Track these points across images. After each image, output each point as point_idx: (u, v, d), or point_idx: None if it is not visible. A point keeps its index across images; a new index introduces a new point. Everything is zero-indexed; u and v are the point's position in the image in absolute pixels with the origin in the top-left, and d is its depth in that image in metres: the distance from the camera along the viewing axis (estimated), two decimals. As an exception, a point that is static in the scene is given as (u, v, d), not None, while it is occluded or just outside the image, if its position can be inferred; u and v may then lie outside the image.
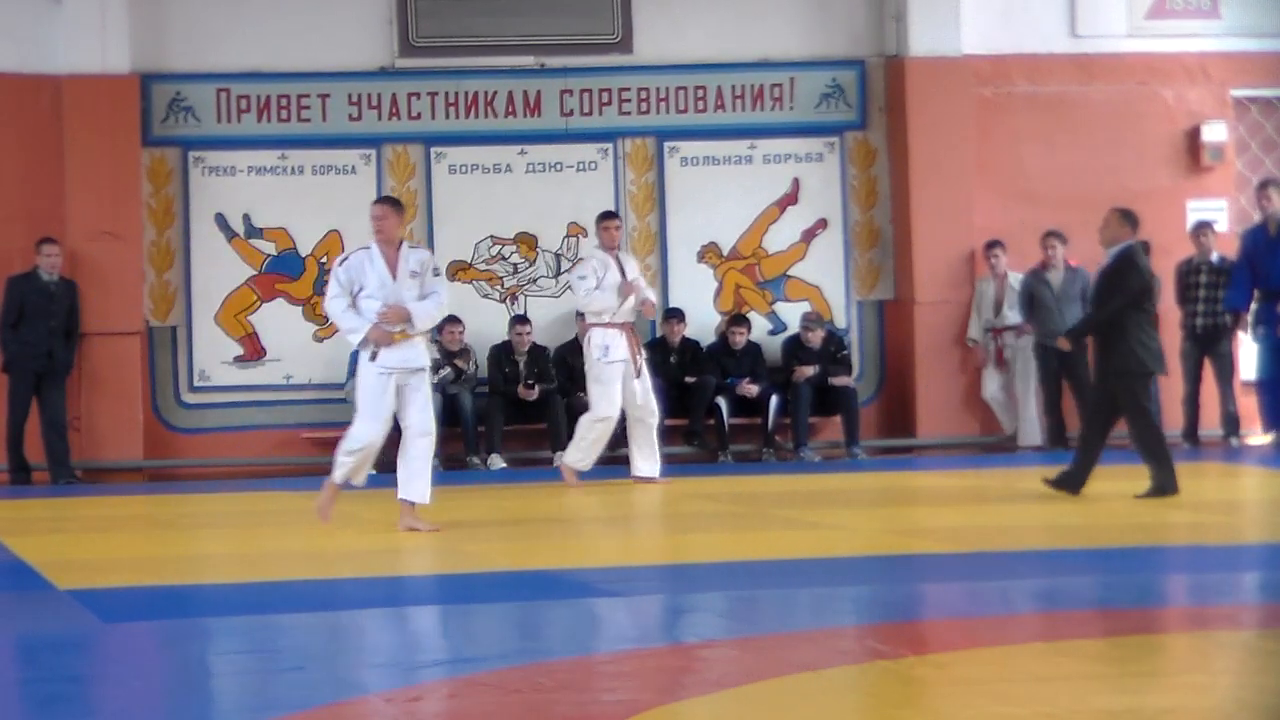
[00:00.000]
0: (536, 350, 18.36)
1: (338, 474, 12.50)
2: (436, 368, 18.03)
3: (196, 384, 18.38)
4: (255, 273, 18.54)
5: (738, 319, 18.64)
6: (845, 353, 18.64)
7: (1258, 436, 18.17)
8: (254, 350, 18.49)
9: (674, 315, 18.53)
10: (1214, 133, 19.16)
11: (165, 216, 18.43)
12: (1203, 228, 18.41)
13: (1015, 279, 18.52)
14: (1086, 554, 10.95)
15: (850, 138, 19.10)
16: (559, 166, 18.79)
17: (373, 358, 12.31)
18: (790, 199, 19.07)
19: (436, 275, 12.55)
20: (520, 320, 18.39)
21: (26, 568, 11.15)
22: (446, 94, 18.73)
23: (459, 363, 18.13)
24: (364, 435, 12.36)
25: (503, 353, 18.30)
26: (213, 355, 18.41)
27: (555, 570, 10.69)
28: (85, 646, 8.61)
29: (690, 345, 18.51)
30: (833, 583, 10.08)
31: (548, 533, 12.76)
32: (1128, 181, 19.06)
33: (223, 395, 18.41)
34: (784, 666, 7.66)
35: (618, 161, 18.87)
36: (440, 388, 17.92)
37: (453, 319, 18.11)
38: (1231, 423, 18.23)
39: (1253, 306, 17.69)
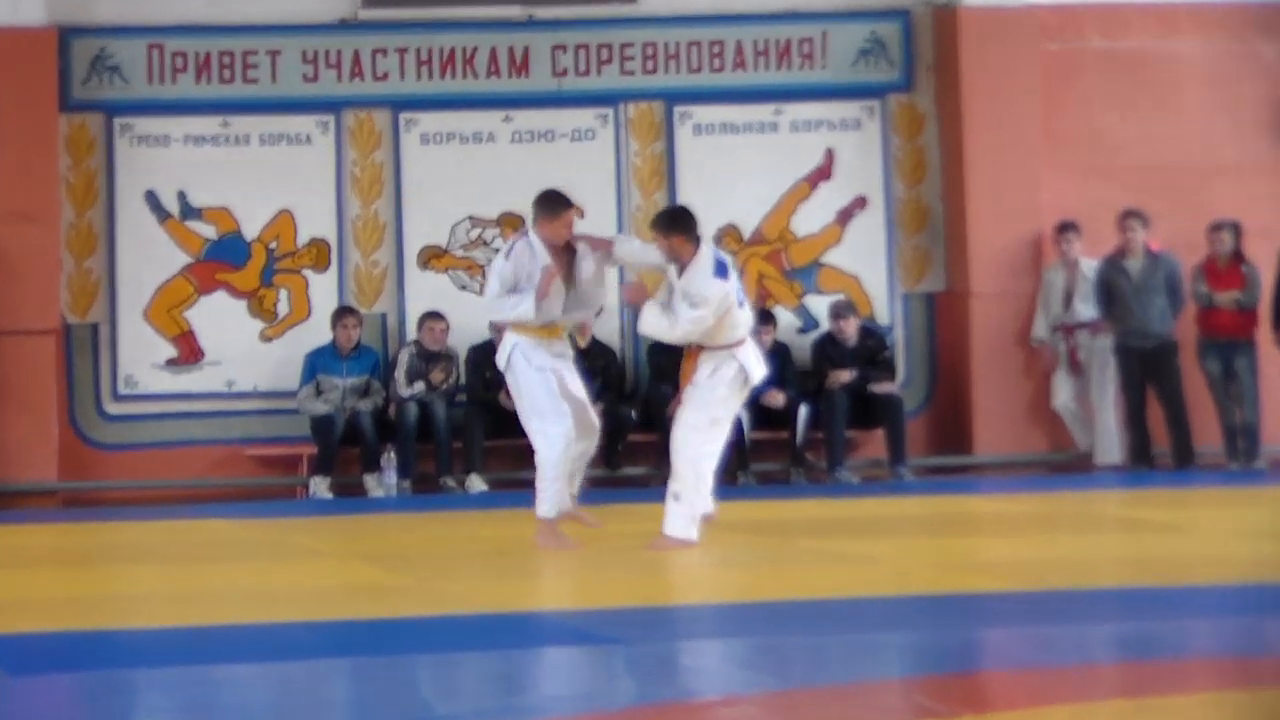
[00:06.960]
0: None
1: (546, 507, 12.91)
2: (411, 378, 18.01)
3: (122, 391, 18.41)
4: (192, 260, 18.59)
5: (762, 315, 18.53)
6: (888, 354, 18.61)
7: None
8: (190, 352, 18.51)
9: (686, 311, 18.48)
10: (1321, 95, 19.22)
11: (86, 194, 18.46)
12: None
13: (1089, 267, 18.49)
14: (1177, 593, 10.90)
15: (893, 101, 19.13)
16: (550, 135, 18.81)
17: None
18: (823, 173, 19.07)
19: None
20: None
21: (-82, 610, 11.11)
22: (418, 50, 18.76)
23: (439, 372, 18.05)
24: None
25: (482, 354, 18.23)
26: (142, 358, 18.46)
27: (545, 613, 10.68)
28: (-14, 704, 8.55)
29: (705, 346, 18.45)
30: (874, 628, 10.05)
31: (535, 568, 12.73)
32: (1220, 153, 19.12)
33: (153, 405, 18.45)
34: (818, 728, 7.61)
35: (619, 129, 18.89)
36: (415, 400, 17.90)
37: (434, 314, 18.12)
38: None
39: None
